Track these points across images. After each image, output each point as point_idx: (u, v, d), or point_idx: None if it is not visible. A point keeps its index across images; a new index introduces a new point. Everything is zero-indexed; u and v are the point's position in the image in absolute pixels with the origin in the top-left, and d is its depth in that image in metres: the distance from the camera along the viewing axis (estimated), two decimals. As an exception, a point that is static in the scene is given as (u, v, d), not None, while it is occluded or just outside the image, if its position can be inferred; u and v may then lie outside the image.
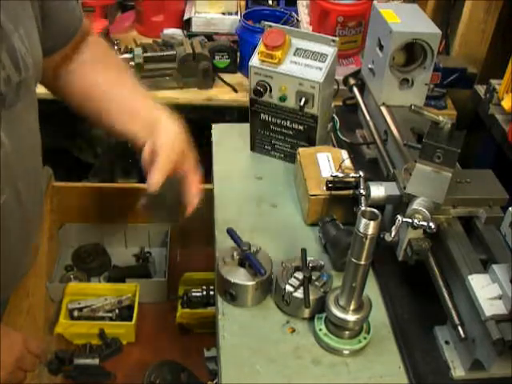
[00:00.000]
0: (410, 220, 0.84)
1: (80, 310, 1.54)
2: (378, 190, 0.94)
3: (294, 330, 0.90)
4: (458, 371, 0.84)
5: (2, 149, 0.80)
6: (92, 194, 1.58)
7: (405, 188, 0.90)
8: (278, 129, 1.22)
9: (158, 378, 1.35)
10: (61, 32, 0.94)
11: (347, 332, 0.86)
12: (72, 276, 1.66)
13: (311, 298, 0.88)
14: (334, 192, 1.03)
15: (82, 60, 1.02)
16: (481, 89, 1.47)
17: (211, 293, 1.29)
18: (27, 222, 0.95)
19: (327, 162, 1.11)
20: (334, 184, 1.02)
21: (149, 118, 0.96)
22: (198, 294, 1.32)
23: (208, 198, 1.17)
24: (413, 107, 0.90)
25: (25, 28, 0.80)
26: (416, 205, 0.86)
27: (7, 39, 0.76)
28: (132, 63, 1.68)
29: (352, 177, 1.01)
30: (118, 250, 1.78)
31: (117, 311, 1.56)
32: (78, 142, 2.11)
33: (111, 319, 1.55)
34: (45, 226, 1.44)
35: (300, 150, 1.15)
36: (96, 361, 1.43)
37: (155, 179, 0.89)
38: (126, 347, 1.48)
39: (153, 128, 0.94)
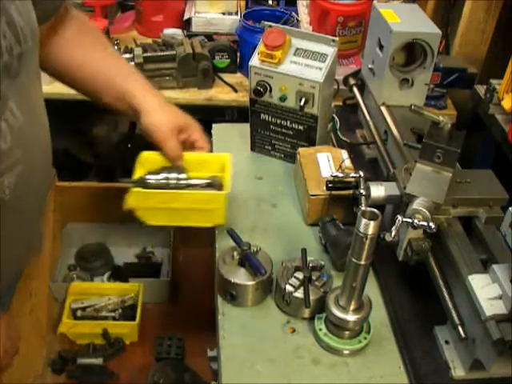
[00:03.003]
0: (410, 220, 0.84)
1: (83, 309, 1.53)
2: (378, 190, 0.94)
3: (294, 330, 0.90)
4: (458, 371, 0.84)
5: (15, 119, 0.81)
6: (95, 193, 1.58)
7: (405, 188, 0.90)
8: (278, 129, 1.22)
9: (161, 378, 1.35)
10: (48, 3, 0.95)
11: (347, 332, 0.86)
12: (75, 276, 1.66)
13: (311, 298, 0.88)
14: (334, 192, 1.03)
15: (69, 36, 1.05)
16: (481, 89, 1.46)
17: (172, 181, 1.03)
18: (40, 193, 0.96)
19: (327, 162, 1.11)
20: (334, 184, 1.02)
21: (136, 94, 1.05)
22: (159, 177, 1.03)
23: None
24: (413, 107, 0.90)
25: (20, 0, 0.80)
26: (416, 205, 0.86)
27: (5, 11, 0.76)
28: (132, 63, 1.68)
29: (352, 177, 1.01)
30: (121, 250, 1.78)
31: (120, 311, 1.55)
32: (78, 142, 2.11)
33: (114, 319, 1.54)
34: (48, 226, 1.43)
35: (300, 149, 1.15)
36: (99, 360, 1.43)
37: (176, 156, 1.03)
38: (129, 347, 1.48)
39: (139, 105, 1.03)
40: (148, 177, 1.02)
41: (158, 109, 1.04)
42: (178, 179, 1.02)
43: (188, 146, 1.07)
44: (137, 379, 1.40)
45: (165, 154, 1.04)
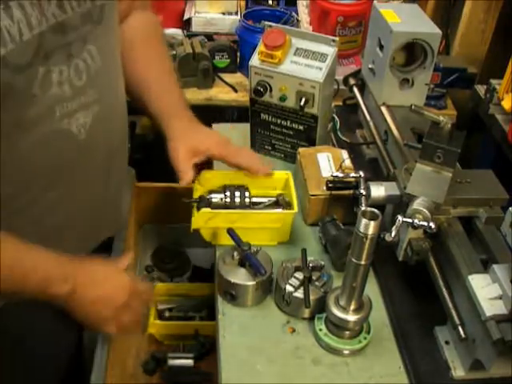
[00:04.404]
0: (410, 220, 0.84)
1: (170, 310, 1.53)
2: (378, 190, 0.94)
3: (294, 330, 0.90)
4: (458, 371, 0.84)
5: (94, 62, 0.86)
6: (169, 194, 1.56)
7: (405, 188, 0.90)
8: (278, 129, 1.22)
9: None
10: None
11: (347, 332, 0.86)
12: (155, 277, 1.64)
13: (311, 298, 0.88)
14: (334, 192, 1.03)
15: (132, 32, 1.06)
16: (481, 89, 1.47)
17: (237, 199, 1.02)
18: (114, 144, 0.99)
19: (327, 162, 1.11)
20: (334, 184, 1.02)
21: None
22: (223, 196, 1.02)
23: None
24: (413, 107, 0.90)
25: None
26: (416, 205, 0.86)
27: None
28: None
29: (352, 177, 1.01)
30: (196, 251, 1.76)
31: (206, 310, 1.54)
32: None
33: (202, 319, 1.53)
34: (131, 227, 1.40)
35: (300, 149, 1.15)
36: (190, 361, 1.42)
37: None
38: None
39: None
40: (211, 196, 1.02)
41: (180, 136, 1.05)
42: (243, 197, 1.02)
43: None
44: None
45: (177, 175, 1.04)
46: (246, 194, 1.02)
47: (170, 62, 1.15)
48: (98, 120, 0.89)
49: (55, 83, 0.80)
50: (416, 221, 0.84)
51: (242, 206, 1.02)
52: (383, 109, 1.19)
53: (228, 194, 1.02)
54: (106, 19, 0.88)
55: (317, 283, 0.91)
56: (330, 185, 1.02)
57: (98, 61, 0.87)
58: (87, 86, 0.86)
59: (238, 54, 1.79)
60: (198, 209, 0.99)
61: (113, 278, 0.92)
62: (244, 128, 1.28)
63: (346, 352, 0.86)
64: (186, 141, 1.04)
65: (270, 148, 1.27)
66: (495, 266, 0.77)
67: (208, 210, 0.99)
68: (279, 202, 1.04)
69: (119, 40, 0.97)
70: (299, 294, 0.89)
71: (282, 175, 1.07)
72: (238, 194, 1.02)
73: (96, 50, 0.86)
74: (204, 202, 1.00)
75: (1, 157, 0.79)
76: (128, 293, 0.90)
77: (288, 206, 1.03)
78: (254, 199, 1.04)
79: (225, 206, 1.01)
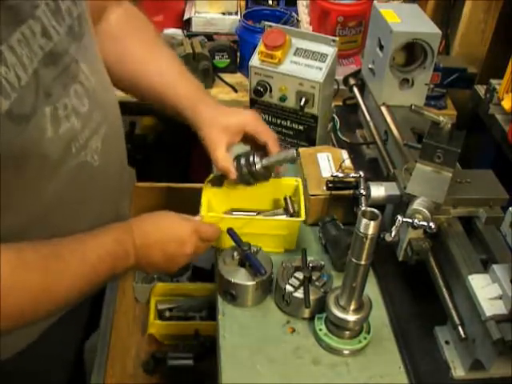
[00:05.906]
0: (410, 220, 0.84)
1: (170, 310, 1.52)
2: (378, 190, 0.94)
3: (294, 330, 0.90)
4: (458, 371, 0.84)
5: (89, 82, 0.82)
6: (169, 194, 1.56)
7: (405, 188, 0.90)
8: (278, 129, 1.22)
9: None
10: None
11: (347, 332, 0.86)
12: (155, 276, 1.64)
13: (311, 298, 0.88)
14: (334, 192, 1.03)
15: (117, 29, 1.02)
16: (481, 89, 1.46)
17: (244, 169, 0.99)
18: (120, 160, 0.98)
19: (327, 162, 1.11)
20: (334, 184, 1.02)
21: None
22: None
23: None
24: (413, 107, 0.90)
25: None
26: (416, 205, 0.86)
27: None
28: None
29: (352, 177, 1.01)
30: None
31: (206, 310, 1.53)
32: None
33: (202, 318, 1.52)
34: None
35: (300, 150, 1.15)
36: (190, 361, 1.42)
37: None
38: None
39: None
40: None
41: (209, 122, 1.00)
42: (250, 165, 0.97)
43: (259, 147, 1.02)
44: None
45: (214, 165, 1.00)
46: (256, 159, 0.98)
47: (168, 47, 1.10)
48: (106, 141, 0.87)
49: (63, 119, 0.76)
50: (416, 221, 0.84)
51: (251, 172, 0.98)
52: (383, 109, 1.19)
53: (235, 164, 0.98)
54: (85, 31, 0.83)
55: (317, 283, 0.91)
56: (330, 185, 1.02)
57: (92, 78, 0.83)
58: (91, 110, 0.82)
59: (238, 54, 1.79)
60: (212, 184, 1.01)
61: (171, 231, 0.91)
62: (244, 128, 1.27)
63: (346, 352, 0.86)
64: (222, 123, 0.99)
65: (270, 148, 1.27)
66: (495, 266, 0.77)
67: (214, 214, 0.99)
68: (285, 207, 1.03)
69: (98, 49, 0.92)
70: (299, 294, 0.89)
71: (291, 181, 1.05)
72: (243, 162, 0.98)
73: (87, 67, 0.82)
74: (217, 177, 1.01)
75: (29, 205, 0.77)
76: (191, 242, 0.91)
77: (295, 212, 1.01)
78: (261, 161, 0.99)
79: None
